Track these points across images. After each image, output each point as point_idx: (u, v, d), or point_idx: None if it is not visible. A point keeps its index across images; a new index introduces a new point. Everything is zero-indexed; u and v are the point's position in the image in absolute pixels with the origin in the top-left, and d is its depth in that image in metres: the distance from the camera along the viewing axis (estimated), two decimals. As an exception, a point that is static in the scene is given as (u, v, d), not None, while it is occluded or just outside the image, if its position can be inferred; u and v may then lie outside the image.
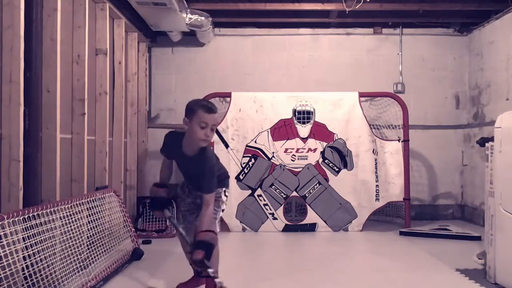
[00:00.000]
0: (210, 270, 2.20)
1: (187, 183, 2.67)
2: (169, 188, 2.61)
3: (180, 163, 2.56)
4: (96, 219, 3.08)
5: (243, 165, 4.53)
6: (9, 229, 2.08)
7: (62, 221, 2.61)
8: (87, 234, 2.97)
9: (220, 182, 2.55)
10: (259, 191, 4.50)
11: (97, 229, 3.08)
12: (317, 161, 4.53)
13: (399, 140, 4.61)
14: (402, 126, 4.68)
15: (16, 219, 2.11)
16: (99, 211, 3.14)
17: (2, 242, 2.04)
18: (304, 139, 4.56)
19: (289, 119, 4.59)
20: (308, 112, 4.59)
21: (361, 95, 4.68)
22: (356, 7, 4.25)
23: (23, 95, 2.40)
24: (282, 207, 4.51)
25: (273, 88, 5.12)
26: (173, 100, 5.22)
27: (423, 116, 5.31)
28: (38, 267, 2.30)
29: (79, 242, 2.83)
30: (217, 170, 2.52)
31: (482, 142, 3.03)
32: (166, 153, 2.59)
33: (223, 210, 2.62)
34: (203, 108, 2.33)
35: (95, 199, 3.13)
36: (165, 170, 2.67)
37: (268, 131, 4.57)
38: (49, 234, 2.43)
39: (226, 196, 2.63)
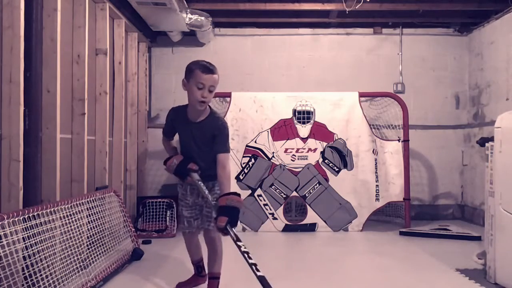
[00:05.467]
0: (232, 234, 2.13)
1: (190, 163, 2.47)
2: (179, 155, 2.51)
3: (186, 135, 2.47)
4: (96, 219, 3.08)
5: (243, 165, 4.53)
6: (9, 229, 2.08)
7: (62, 221, 2.61)
8: (87, 234, 2.97)
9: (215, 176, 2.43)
10: (259, 191, 4.50)
11: (97, 229, 3.08)
12: (317, 161, 4.53)
13: (399, 140, 4.61)
14: (402, 126, 4.68)
15: (16, 219, 2.11)
16: (99, 211, 3.14)
17: (2, 242, 2.04)
18: (304, 139, 4.56)
19: (289, 119, 4.59)
20: (308, 112, 4.59)
21: (361, 95, 4.68)
22: (356, 7, 4.25)
23: (23, 95, 2.40)
24: (282, 207, 4.51)
25: (273, 88, 5.12)
26: (173, 100, 5.22)
27: (423, 116, 5.32)
28: (38, 267, 2.30)
29: (79, 242, 2.83)
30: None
31: (482, 142, 3.03)
32: (169, 129, 2.57)
33: None
34: (200, 68, 2.30)
35: (95, 199, 3.13)
36: (170, 147, 2.62)
37: (268, 131, 4.57)
38: (49, 234, 2.43)
39: None
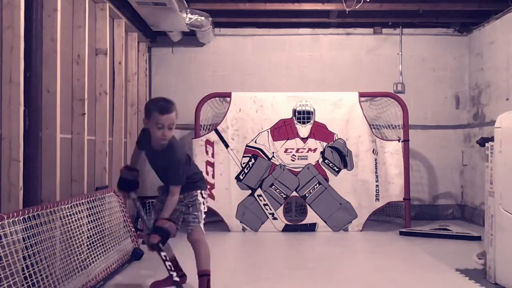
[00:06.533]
0: (163, 254, 2.38)
1: (160, 179, 2.71)
2: (138, 172, 2.71)
3: (150, 158, 2.64)
4: (96, 219, 3.08)
5: (243, 165, 4.53)
6: (9, 229, 2.08)
7: (62, 221, 2.61)
8: (87, 234, 2.97)
9: (193, 184, 2.57)
10: (259, 191, 4.50)
11: (97, 229, 3.08)
12: (317, 161, 4.53)
13: (399, 140, 4.61)
14: (402, 126, 4.69)
15: (16, 219, 2.11)
16: (99, 211, 3.14)
17: (2, 242, 2.04)
18: (304, 139, 4.56)
19: (289, 119, 4.59)
20: (308, 112, 4.59)
21: (361, 95, 4.68)
22: (356, 7, 4.25)
23: (23, 95, 2.40)
24: (282, 207, 4.51)
25: (273, 88, 5.12)
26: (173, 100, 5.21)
27: (423, 116, 5.31)
28: (38, 267, 2.30)
29: (79, 242, 2.83)
30: (191, 171, 2.59)
31: (482, 142, 3.03)
32: (140, 145, 2.70)
33: (205, 213, 2.62)
34: (158, 110, 2.38)
35: (95, 199, 3.13)
36: (135, 157, 2.76)
37: (268, 131, 4.57)
38: (49, 234, 2.43)
39: (204, 198, 2.62)
